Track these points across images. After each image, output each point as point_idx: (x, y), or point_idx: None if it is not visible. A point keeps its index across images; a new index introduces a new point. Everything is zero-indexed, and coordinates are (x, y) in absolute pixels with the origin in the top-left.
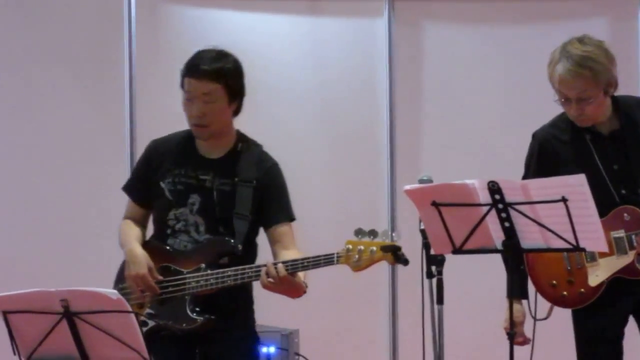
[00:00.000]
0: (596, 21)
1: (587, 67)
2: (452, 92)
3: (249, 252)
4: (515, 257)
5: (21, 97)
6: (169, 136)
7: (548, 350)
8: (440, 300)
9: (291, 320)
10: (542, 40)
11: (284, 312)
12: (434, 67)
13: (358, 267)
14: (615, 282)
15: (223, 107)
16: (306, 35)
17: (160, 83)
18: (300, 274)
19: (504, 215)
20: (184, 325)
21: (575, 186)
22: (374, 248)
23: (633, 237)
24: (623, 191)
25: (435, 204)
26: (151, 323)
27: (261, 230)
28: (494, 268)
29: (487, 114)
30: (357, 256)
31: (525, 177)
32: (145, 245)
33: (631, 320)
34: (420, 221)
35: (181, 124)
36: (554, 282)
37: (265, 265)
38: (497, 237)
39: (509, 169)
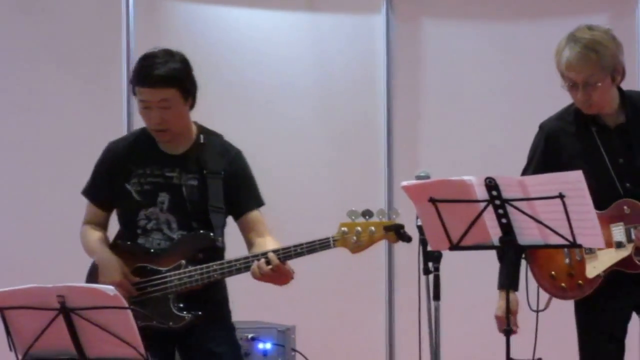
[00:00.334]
0: (595, 18)
1: (593, 50)
2: (450, 88)
3: (223, 244)
4: (512, 253)
5: (18, 94)
6: (126, 136)
7: (546, 343)
8: (437, 297)
9: (288, 317)
10: (540, 37)
11: (280, 309)
12: (432, 62)
13: (358, 247)
14: (618, 277)
15: (181, 109)
16: (304, 31)
17: None
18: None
19: (501, 211)
20: (171, 323)
21: (573, 182)
22: (373, 228)
23: (632, 230)
24: (628, 185)
25: (432, 200)
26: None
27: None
28: (491, 264)
29: (485, 109)
30: (355, 237)
31: (527, 167)
32: (114, 247)
33: (633, 320)
34: (417, 217)
35: None
36: (553, 273)
37: (256, 257)
38: (494, 233)
39: (507, 165)
